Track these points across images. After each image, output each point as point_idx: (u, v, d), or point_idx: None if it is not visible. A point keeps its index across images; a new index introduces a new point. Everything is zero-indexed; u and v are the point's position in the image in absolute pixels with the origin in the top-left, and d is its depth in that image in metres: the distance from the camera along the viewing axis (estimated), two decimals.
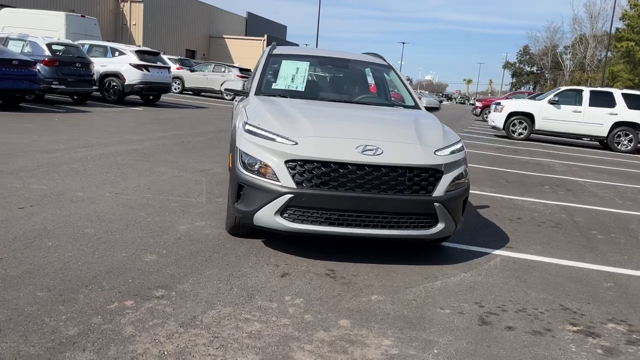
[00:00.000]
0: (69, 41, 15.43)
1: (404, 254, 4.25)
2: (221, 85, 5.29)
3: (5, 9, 20.64)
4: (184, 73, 25.25)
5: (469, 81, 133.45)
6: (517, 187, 8.01)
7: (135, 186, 5.64)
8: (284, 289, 3.36)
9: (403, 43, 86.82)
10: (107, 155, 7.22)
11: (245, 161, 3.83)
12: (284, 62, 5.27)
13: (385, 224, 3.79)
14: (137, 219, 4.52)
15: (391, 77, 5.39)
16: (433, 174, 3.85)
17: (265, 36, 56.60)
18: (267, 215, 3.72)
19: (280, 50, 5.50)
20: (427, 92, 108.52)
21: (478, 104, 30.94)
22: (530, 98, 20.58)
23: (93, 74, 14.72)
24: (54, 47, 14.06)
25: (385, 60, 5.64)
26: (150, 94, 16.97)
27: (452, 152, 4.04)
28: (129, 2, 51.29)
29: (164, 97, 19.38)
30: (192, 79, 25.03)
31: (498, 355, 2.76)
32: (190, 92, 25.49)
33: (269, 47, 5.59)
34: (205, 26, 56.46)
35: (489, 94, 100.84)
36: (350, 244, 4.29)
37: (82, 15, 20.93)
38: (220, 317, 2.90)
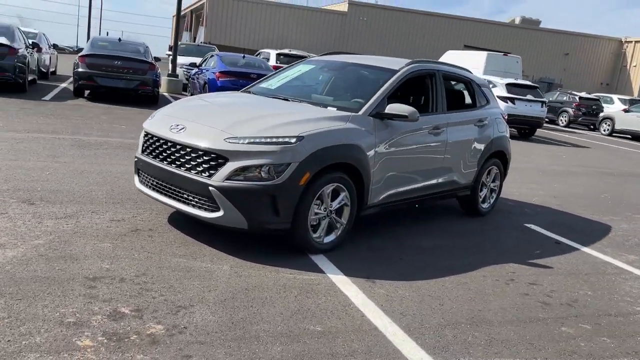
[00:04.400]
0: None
1: (253, 242, 4.27)
2: None
3: (449, 52, 24.11)
4: (617, 113, 22.78)
5: None
6: None
7: None
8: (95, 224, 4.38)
9: None
10: None
11: None
12: (299, 66, 5.65)
13: (179, 198, 4.15)
14: None
15: (382, 82, 4.89)
16: (215, 158, 3.92)
17: None
18: (134, 175, 4.72)
19: (318, 57, 5.82)
20: None
21: None
22: None
23: None
24: None
25: (399, 66, 5.07)
26: (520, 128, 16.81)
27: (258, 143, 3.88)
28: (632, 42, 48.46)
29: (549, 133, 18.54)
30: (624, 120, 22.29)
31: None
32: (627, 136, 22.69)
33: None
34: None
35: None
36: None
37: (504, 54, 22.16)
38: (17, 217, 4.31)
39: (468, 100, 6.03)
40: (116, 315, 2.93)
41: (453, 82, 5.95)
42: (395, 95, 5.22)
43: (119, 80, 12.36)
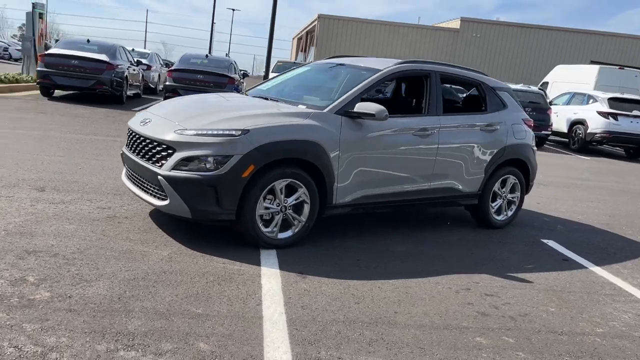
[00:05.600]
0: (530, 87, 16.12)
1: (219, 235, 4.42)
2: None
3: (558, 66, 22.61)
4: None
5: None
6: None
7: None
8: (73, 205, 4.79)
9: None
10: None
11: None
12: (298, 69, 5.71)
13: (143, 187, 4.40)
14: None
15: (361, 81, 4.79)
16: (165, 149, 4.11)
17: None
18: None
19: (321, 60, 5.83)
20: None
21: None
22: None
23: (549, 120, 15.02)
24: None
25: (384, 66, 4.94)
26: (624, 146, 15.28)
27: (203, 134, 4.02)
28: None
29: None
30: None
31: None
32: None
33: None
34: None
35: None
36: None
37: (620, 67, 20.28)
38: (17, 200, 4.85)
39: (476, 103, 5.67)
40: (18, 281, 3.18)
41: (457, 85, 5.65)
42: (384, 95, 5.08)
43: (199, 92, 13.21)
